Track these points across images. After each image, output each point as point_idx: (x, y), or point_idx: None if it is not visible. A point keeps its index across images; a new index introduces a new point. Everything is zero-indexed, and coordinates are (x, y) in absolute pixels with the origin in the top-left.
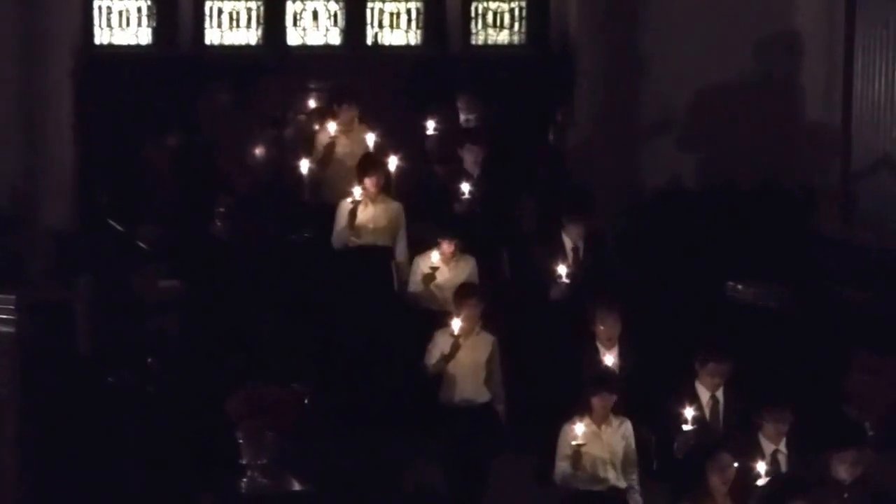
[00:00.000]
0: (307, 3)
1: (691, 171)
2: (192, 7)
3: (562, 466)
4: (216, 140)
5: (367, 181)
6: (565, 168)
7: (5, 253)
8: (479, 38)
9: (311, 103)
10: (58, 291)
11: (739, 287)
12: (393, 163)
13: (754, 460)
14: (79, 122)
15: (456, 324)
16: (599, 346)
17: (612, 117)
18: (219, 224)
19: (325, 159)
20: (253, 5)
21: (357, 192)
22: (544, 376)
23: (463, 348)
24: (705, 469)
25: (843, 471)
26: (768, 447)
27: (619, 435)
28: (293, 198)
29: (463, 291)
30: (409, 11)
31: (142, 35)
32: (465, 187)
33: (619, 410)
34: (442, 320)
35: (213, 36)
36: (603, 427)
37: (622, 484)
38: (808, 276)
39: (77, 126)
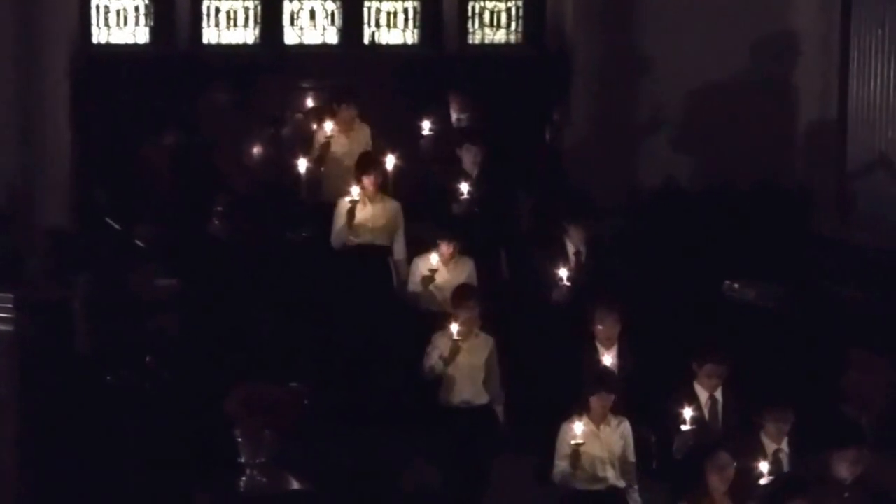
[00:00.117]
0: (304, 2)
1: (688, 170)
2: (189, 6)
3: (561, 466)
4: (214, 139)
5: (366, 180)
6: (563, 168)
7: (4, 252)
8: (475, 38)
9: (309, 102)
10: (56, 290)
11: (737, 287)
12: (391, 162)
13: (756, 460)
14: (76, 121)
15: (454, 328)
16: (598, 345)
17: (609, 117)
18: (217, 223)
19: (322, 158)
20: (250, 4)
21: (355, 191)
22: (543, 376)
23: (461, 350)
24: (704, 469)
25: (843, 470)
26: (770, 446)
27: (618, 434)
28: (292, 197)
29: (461, 293)
30: (406, 11)
31: (139, 34)
32: (464, 187)
33: (618, 410)
34: (441, 322)
35: (210, 35)
36: (602, 427)
37: (621, 483)
38: (806, 275)
39: (75, 125)
